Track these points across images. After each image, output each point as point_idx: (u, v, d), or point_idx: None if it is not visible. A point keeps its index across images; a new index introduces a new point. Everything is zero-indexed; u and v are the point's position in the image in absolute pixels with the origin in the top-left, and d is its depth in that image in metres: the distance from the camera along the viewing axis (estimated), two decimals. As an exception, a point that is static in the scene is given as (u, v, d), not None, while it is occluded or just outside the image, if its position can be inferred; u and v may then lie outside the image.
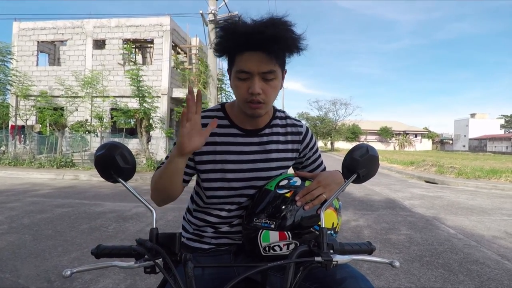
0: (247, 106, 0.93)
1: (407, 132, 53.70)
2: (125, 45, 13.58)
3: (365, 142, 0.97)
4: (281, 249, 0.87)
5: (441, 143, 61.04)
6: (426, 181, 10.20)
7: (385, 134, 51.23)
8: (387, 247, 3.50)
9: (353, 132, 46.40)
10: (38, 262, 2.86)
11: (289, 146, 1.08)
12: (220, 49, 0.93)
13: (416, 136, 54.82)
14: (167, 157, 0.98)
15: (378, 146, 49.52)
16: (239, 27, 0.86)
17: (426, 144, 55.04)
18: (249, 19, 0.87)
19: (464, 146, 55.00)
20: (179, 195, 0.98)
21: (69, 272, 0.65)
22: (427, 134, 57.05)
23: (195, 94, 0.81)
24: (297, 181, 0.95)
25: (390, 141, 52.17)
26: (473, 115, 57.43)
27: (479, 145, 51.33)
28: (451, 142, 60.72)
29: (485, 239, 3.92)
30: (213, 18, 10.50)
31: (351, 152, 0.84)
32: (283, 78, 0.98)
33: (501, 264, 3.08)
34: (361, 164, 0.82)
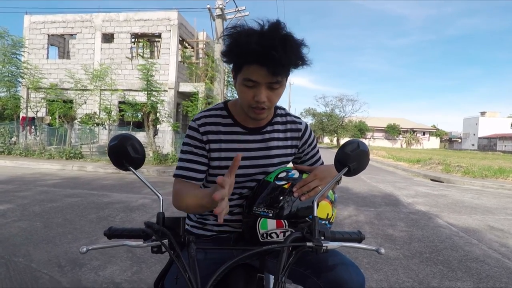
0: (251, 111, 0.98)
1: (414, 129, 53.16)
2: (140, 41, 13.71)
3: (356, 138, 1.03)
4: (277, 236, 0.93)
5: (449, 141, 60.31)
6: (432, 180, 10.15)
7: (392, 131, 50.79)
8: (387, 242, 3.55)
9: (360, 129, 46.11)
10: (49, 248, 2.99)
11: (289, 143, 1.14)
12: (229, 59, 0.95)
13: (423, 134, 54.25)
14: (179, 167, 1.05)
15: (384, 143, 49.18)
16: (249, 44, 0.86)
17: (434, 142, 54.44)
18: (256, 23, 0.88)
19: (473, 145, 54.21)
20: None
21: (85, 249, 0.73)
22: (435, 132, 56.40)
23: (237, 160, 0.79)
24: (295, 174, 1.01)
25: (397, 138, 51.73)
26: (483, 114, 56.48)
27: (488, 144, 50.54)
28: (459, 140, 59.93)
29: (487, 237, 3.94)
30: (220, 13, 10.52)
31: (343, 147, 0.90)
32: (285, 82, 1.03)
33: (501, 263, 3.11)
34: (351, 158, 0.87)
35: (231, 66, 0.99)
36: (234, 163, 0.77)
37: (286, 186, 0.96)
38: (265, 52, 0.85)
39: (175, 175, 1.07)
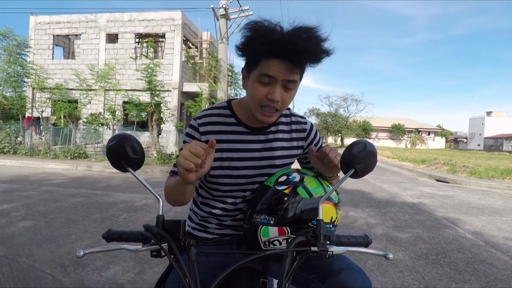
0: (259, 112, 0.94)
1: (419, 129, 52.73)
2: (145, 41, 13.76)
3: (361, 138, 0.99)
4: (280, 243, 0.90)
5: (455, 141, 59.70)
6: (437, 180, 10.05)
7: (396, 131, 50.44)
8: (392, 244, 3.50)
9: (364, 129, 45.86)
10: (53, 248, 2.99)
11: (294, 143, 1.10)
12: (247, 51, 0.91)
13: (428, 134, 53.81)
14: (174, 165, 0.98)
15: (389, 143, 48.88)
16: (273, 34, 0.85)
17: (439, 142, 53.97)
18: (278, 26, 0.86)
19: (479, 145, 53.59)
20: (191, 199, 1.01)
21: (82, 253, 0.71)
22: (441, 132, 55.92)
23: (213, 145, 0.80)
24: (296, 177, 0.97)
25: (401, 138, 51.36)
26: (489, 113, 55.80)
27: (494, 144, 49.93)
28: (465, 140, 59.29)
29: (495, 239, 3.87)
30: (224, 13, 10.51)
31: (349, 147, 0.86)
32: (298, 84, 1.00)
33: (510, 265, 3.05)
34: (358, 160, 0.84)
35: (238, 71, 0.97)
36: (210, 145, 0.79)
37: (287, 191, 0.92)
38: (291, 43, 0.83)
39: (170, 172, 1.04)
